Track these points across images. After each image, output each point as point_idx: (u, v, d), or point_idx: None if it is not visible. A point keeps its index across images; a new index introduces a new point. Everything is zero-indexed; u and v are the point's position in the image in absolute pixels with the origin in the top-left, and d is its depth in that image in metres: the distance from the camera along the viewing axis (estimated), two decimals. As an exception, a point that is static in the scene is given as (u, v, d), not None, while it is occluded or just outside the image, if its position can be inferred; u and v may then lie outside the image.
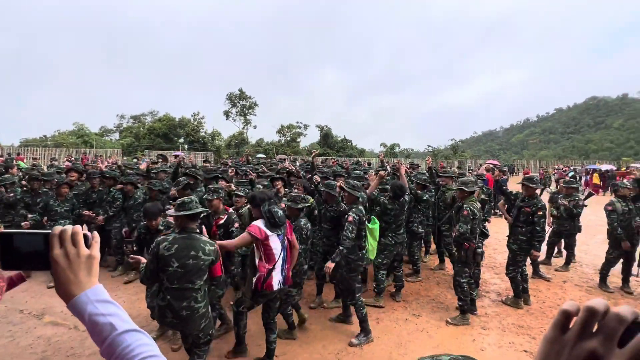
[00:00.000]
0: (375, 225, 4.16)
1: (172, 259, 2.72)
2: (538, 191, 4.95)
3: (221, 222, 4.03)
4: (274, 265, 3.14)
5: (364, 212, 4.01)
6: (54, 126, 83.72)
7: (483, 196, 5.41)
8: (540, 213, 4.68)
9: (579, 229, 6.28)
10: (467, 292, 4.35)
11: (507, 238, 5.07)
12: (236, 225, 4.04)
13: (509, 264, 4.95)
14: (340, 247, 3.75)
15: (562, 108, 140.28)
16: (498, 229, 9.29)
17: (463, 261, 4.34)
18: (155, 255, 2.76)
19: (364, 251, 3.99)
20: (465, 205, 4.30)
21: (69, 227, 0.77)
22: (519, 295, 4.88)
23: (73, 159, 21.74)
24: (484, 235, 4.82)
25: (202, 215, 3.16)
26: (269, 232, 3.11)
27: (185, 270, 2.73)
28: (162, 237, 2.88)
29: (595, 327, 0.40)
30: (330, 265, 3.73)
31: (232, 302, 3.81)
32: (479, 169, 18.93)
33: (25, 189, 6.11)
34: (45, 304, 4.69)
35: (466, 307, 4.36)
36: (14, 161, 17.37)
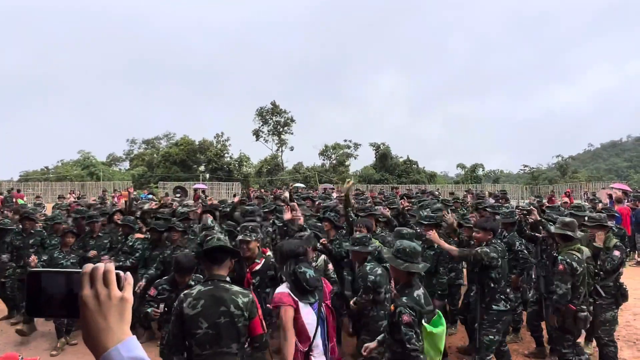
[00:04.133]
0: (439, 329, 3.13)
1: (199, 319, 2.75)
2: None
3: (257, 267, 4.12)
4: (311, 345, 3.03)
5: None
6: (57, 155, 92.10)
7: (615, 241, 5.05)
8: None
9: None
10: None
11: None
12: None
13: None
14: None
15: None
16: (637, 284, 8.52)
17: (561, 327, 4.29)
18: (179, 315, 2.81)
19: None
20: (560, 257, 4.18)
21: (100, 265, 0.85)
22: None
23: (79, 193, 23.63)
24: (624, 296, 4.53)
25: (232, 258, 3.18)
26: (297, 300, 3.02)
27: (217, 331, 2.74)
28: (185, 292, 2.94)
29: None
30: None
31: None
32: (591, 196, 17.58)
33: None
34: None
35: None
36: (14, 199, 19.29)
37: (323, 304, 3.21)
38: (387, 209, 6.75)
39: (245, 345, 2.95)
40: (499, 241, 4.57)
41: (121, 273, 0.88)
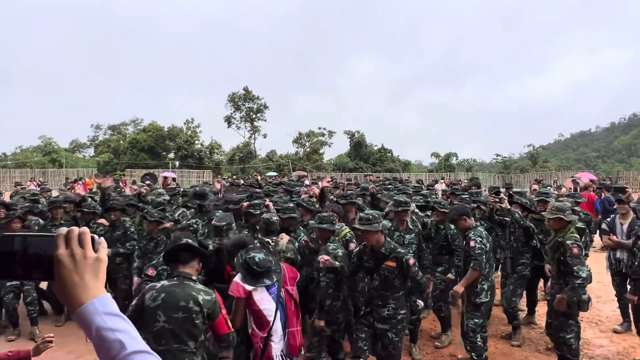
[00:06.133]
0: None
1: (158, 312, 2.77)
2: None
3: None
4: (270, 330, 3.09)
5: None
6: (15, 141, 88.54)
7: (580, 224, 5.27)
8: None
9: None
10: (577, 350, 4.44)
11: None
12: None
13: None
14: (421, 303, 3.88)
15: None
16: (601, 268, 8.90)
17: (566, 313, 4.37)
18: (139, 306, 2.84)
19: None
20: (571, 242, 4.26)
21: (75, 228, 0.90)
22: None
23: (40, 180, 22.85)
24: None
25: (201, 261, 3.20)
26: (250, 287, 3.07)
27: (173, 326, 2.76)
28: (151, 284, 2.98)
29: None
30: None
31: None
32: (555, 184, 18.33)
33: None
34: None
35: None
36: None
37: (283, 289, 3.25)
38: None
39: (207, 344, 3.01)
40: (479, 229, 4.68)
41: (95, 236, 0.92)
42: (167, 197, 7.97)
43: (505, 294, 5.52)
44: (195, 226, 5.32)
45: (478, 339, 4.49)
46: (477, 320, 4.50)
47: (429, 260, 5.96)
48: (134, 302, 2.92)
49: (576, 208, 6.23)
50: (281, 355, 3.12)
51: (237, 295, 3.05)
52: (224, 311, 2.98)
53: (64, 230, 0.89)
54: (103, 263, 0.91)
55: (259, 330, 3.07)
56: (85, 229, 0.91)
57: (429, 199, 6.83)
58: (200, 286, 2.95)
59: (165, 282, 2.93)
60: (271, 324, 3.09)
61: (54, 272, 0.86)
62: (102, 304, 0.86)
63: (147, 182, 16.65)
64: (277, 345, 3.10)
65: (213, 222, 4.70)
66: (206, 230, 5.16)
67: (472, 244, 4.44)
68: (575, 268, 4.20)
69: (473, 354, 4.47)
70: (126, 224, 5.99)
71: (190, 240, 3.22)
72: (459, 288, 4.49)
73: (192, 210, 5.99)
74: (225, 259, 4.11)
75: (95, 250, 0.90)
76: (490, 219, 5.89)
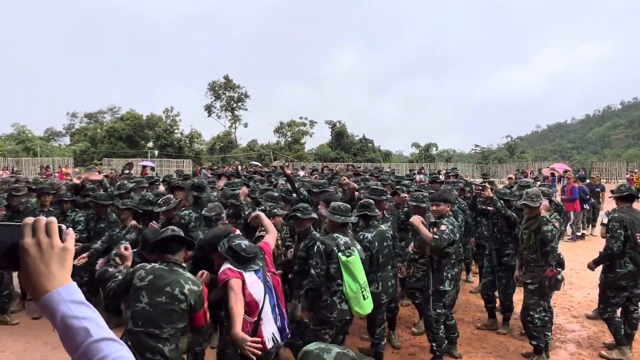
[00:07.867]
0: (352, 259, 3.71)
1: (142, 292, 2.80)
2: None
3: None
4: (260, 313, 3.12)
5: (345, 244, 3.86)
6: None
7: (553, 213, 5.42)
8: None
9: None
10: (540, 328, 4.61)
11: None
12: None
13: None
14: (307, 288, 3.79)
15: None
16: (574, 256, 9.19)
17: (543, 292, 4.62)
18: (126, 282, 2.89)
19: (338, 297, 3.73)
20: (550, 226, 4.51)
21: (42, 217, 0.90)
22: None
23: (12, 169, 22.23)
24: (560, 264, 4.87)
25: (187, 249, 3.24)
26: (241, 270, 3.13)
27: (153, 309, 2.77)
28: (142, 264, 3.00)
29: None
30: (301, 314, 3.90)
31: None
32: (532, 174, 18.96)
33: None
34: None
35: (542, 345, 4.60)
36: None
37: (268, 273, 3.31)
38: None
39: (181, 334, 3.01)
40: (452, 218, 4.71)
41: (63, 226, 0.92)
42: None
43: (499, 288, 5.61)
44: (187, 218, 5.26)
45: (440, 331, 4.56)
46: (440, 311, 4.55)
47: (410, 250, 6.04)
48: (119, 278, 2.95)
49: (552, 199, 6.37)
50: (273, 338, 3.15)
51: (232, 276, 3.05)
52: (205, 304, 3.00)
53: (30, 219, 0.88)
54: (70, 253, 0.91)
55: (249, 316, 3.09)
56: (53, 219, 0.90)
57: (410, 190, 6.88)
58: (189, 275, 2.97)
59: (155, 265, 2.95)
60: (261, 307, 3.13)
61: (20, 261, 0.86)
62: (67, 292, 0.85)
63: (126, 171, 16.33)
64: (267, 328, 3.14)
65: (203, 212, 4.71)
66: (198, 224, 5.14)
67: (442, 227, 4.42)
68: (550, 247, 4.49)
69: (434, 344, 4.53)
70: (111, 218, 5.91)
71: (176, 230, 3.22)
72: (418, 221, 4.49)
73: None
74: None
75: (62, 240, 0.90)
76: (472, 207, 5.98)
